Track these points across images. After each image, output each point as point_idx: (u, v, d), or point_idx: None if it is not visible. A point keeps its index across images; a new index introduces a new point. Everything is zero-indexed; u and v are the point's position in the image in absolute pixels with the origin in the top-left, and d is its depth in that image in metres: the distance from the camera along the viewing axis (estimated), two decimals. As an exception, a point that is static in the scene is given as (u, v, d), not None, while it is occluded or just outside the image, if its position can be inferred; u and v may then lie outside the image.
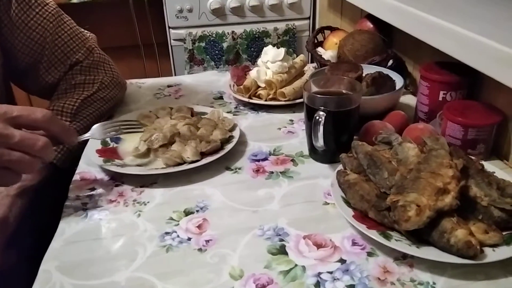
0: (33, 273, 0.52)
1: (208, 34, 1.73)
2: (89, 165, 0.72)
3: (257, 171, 0.70)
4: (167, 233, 0.57)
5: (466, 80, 0.74)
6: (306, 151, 0.74)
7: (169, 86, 1.04)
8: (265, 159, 0.73)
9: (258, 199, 0.63)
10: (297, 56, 0.98)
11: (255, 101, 0.90)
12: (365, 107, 0.70)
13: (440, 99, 0.75)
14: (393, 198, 0.52)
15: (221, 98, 0.97)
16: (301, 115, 0.86)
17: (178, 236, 0.57)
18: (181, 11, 1.71)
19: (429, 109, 0.77)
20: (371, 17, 1.03)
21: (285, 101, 0.89)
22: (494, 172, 0.60)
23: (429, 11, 0.72)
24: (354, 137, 0.71)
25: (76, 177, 0.70)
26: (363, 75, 0.81)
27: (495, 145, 0.70)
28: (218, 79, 1.07)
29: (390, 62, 0.96)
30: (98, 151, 0.73)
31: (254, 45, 1.77)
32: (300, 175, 0.69)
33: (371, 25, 1.03)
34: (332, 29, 1.13)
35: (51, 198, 0.70)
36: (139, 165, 0.71)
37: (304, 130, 0.76)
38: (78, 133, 0.75)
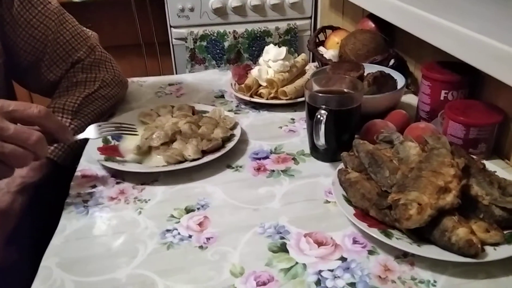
0: (34, 270, 0.52)
1: (209, 33, 1.74)
2: (90, 163, 0.72)
3: (258, 169, 0.70)
4: (168, 230, 0.57)
5: (467, 80, 0.74)
6: (307, 150, 0.74)
7: (170, 84, 1.04)
8: (266, 157, 0.73)
9: (259, 197, 0.63)
10: (298, 56, 0.98)
11: (256, 99, 0.90)
12: (367, 106, 0.70)
13: (442, 98, 0.75)
14: (394, 197, 0.52)
15: (222, 96, 0.97)
16: (302, 114, 0.86)
17: (179, 233, 0.57)
18: (182, 10, 1.71)
19: (431, 108, 0.77)
20: (372, 17, 1.03)
21: (286, 100, 0.89)
22: (496, 171, 0.60)
23: (431, 10, 0.72)
24: (355, 136, 0.71)
25: (77, 174, 0.70)
26: (365, 74, 0.81)
27: (496, 144, 0.69)
28: (219, 77, 1.07)
29: (392, 61, 0.96)
30: (99, 148, 0.73)
31: (255, 44, 1.77)
32: (301, 173, 0.69)
33: (373, 25, 1.03)
34: (333, 28, 1.13)
35: (52, 195, 0.70)
36: (140, 162, 0.71)
37: (305, 128, 0.76)
38: (79, 131, 0.76)
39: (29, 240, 0.68)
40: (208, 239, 0.56)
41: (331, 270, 0.50)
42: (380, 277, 0.49)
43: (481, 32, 0.60)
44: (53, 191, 0.70)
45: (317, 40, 1.12)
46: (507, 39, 0.56)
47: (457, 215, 0.50)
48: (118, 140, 0.77)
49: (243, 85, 0.92)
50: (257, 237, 0.56)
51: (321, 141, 0.65)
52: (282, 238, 0.55)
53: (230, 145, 0.73)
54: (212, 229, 0.57)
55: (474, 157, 0.61)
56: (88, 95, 0.81)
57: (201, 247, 0.54)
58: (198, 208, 0.61)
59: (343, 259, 0.52)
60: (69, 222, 0.60)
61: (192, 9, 1.71)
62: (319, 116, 0.64)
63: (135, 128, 0.75)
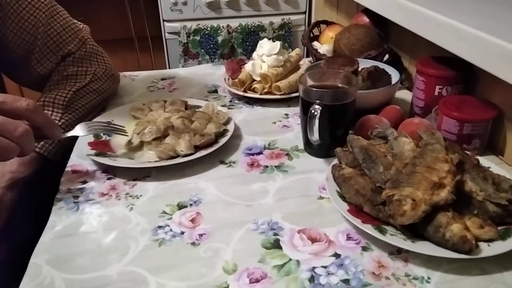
0: (23, 267, 0.51)
1: (203, 28, 1.72)
2: (81, 158, 0.71)
3: (251, 165, 0.69)
4: (159, 227, 0.57)
5: (462, 75, 0.74)
6: (301, 145, 0.74)
7: (163, 79, 1.03)
8: (260, 153, 0.72)
9: (252, 193, 0.63)
10: (292, 50, 0.98)
11: (250, 94, 0.89)
12: (361, 101, 0.70)
13: (436, 93, 0.75)
14: (388, 192, 0.51)
15: (215, 91, 0.96)
16: (296, 109, 0.85)
17: (171, 230, 0.56)
18: (175, 4, 1.69)
19: (425, 103, 0.77)
20: (367, 11, 1.03)
21: (280, 95, 0.88)
22: (490, 167, 0.60)
23: (425, 5, 0.71)
24: (350, 131, 0.70)
25: (68, 169, 0.69)
26: (359, 69, 0.81)
27: (490, 140, 0.69)
28: (213, 72, 1.06)
29: (386, 56, 0.95)
30: (90, 143, 0.72)
31: (249, 39, 1.76)
32: (295, 169, 0.68)
33: (367, 20, 1.03)
34: (328, 23, 1.12)
35: (42, 191, 0.69)
36: (131, 158, 0.70)
37: (299, 124, 0.76)
38: (70, 125, 0.75)
39: (18, 236, 0.67)
40: (200, 235, 0.55)
41: (325, 267, 0.50)
42: (374, 273, 0.49)
43: (476, 27, 0.60)
44: (43, 187, 0.69)
45: (312, 35, 1.11)
46: (502, 34, 0.56)
47: (451, 211, 0.49)
48: (110, 135, 0.75)
49: (236, 80, 0.91)
50: (250, 233, 0.55)
51: (315, 136, 0.65)
52: (275, 234, 0.55)
53: (223, 141, 0.72)
54: (204, 225, 0.57)
55: (468, 152, 0.61)
56: (79, 89, 0.80)
57: (193, 243, 0.54)
58: (191, 204, 0.61)
59: (336, 255, 0.51)
60: (59, 219, 0.59)
61: (185, 3, 1.70)
62: (313, 111, 0.63)
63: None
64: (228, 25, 1.73)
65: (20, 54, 0.79)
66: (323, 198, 0.61)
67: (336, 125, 0.69)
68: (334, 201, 0.56)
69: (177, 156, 0.69)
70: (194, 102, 0.86)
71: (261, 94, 0.89)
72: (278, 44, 0.91)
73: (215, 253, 0.52)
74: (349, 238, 0.54)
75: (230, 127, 0.76)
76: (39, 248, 0.54)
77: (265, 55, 0.90)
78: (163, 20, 1.73)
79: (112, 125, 0.74)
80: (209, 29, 1.72)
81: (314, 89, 0.68)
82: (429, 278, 0.48)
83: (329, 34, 1.05)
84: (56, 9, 0.83)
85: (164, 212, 0.59)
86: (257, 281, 0.48)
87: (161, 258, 0.52)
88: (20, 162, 0.68)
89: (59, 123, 0.74)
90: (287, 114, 0.85)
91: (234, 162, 0.70)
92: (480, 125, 0.66)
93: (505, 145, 0.70)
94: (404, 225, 0.50)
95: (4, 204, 0.64)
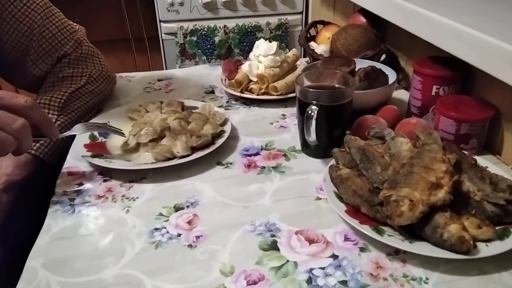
0: (19, 270, 0.51)
1: (199, 28, 1.72)
2: (77, 160, 0.71)
3: (248, 166, 0.69)
4: (156, 229, 0.56)
5: (459, 75, 0.74)
6: (298, 146, 0.73)
7: (159, 80, 1.03)
8: (257, 154, 0.72)
9: (249, 194, 0.62)
10: (289, 51, 0.97)
11: (247, 95, 0.89)
12: (358, 101, 0.70)
13: (433, 93, 0.75)
14: (385, 193, 0.51)
15: (212, 92, 0.96)
16: (294, 110, 0.85)
17: (167, 232, 0.56)
18: (172, 4, 1.69)
19: (422, 103, 0.77)
20: (364, 12, 1.03)
21: (277, 95, 0.88)
22: (487, 167, 0.60)
23: (422, 5, 0.71)
24: (347, 131, 0.70)
25: (64, 171, 0.69)
26: (356, 69, 0.81)
27: (487, 140, 0.69)
28: (209, 73, 1.06)
29: (383, 56, 0.95)
30: (86, 145, 0.72)
31: (246, 39, 1.76)
32: (292, 170, 0.68)
33: (364, 20, 1.03)
34: (325, 23, 1.12)
35: (38, 193, 0.68)
36: (128, 160, 0.70)
37: (296, 124, 0.76)
38: (66, 127, 0.74)
39: (14, 239, 0.67)
40: (197, 237, 0.55)
41: (323, 268, 0.49)
42: (371, 274, 0.49)
43: (473, 27, 0.59)
44: (39, 189, 0.69)
45: (308, 35, 1.11)
46: (499, 34, 0.56)
47: (449, 211, 0.49)
48: (106, 137, 0.75)
49: (233, 81, 0.91)
50: (247, 235, 0.55)
51: (312, 137, 0.64)
52: (273, 236, 0.54)
53: (220, 142, 0.71)
54: (201, 227, 0.56)
55: (466, 152, 0.60)
56: (74, 90, 0.80)
57: (190, 245, 0.53)
58: (188, 206, 0.60)
59: (334, 256, 0.51)
60: (55, 221, 0.58)
61: (181, 4, 1.69)
62: (310, 112, 0.63)
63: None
64: (225, 26, 1.72)
65: (16, 56, 0.78)
66: (320, 199, 0.61)
67: (333, 126, 0.68)
68: (332, 202, 0.56)
69: (174, 157, 0.68)
70: (191, 103, 0.85)
71: (258, 95, 0.89)
72: (274, 44, 0.91)
73: (212, 255, 0.52)
74: (346, 239, 0.54)
75: (227, 128, 0.75)
76: (35, 251, 0.53)
77: (262, 56, 0.90)
78: (160, 21, 1.73)
79: (109, 126, 0.73)
80: (206, 29, 1.72)
81: (311, 89, 0.68)
82: (427, 278, 0.48)
83: (326, 34, 1.05)
84: (52, 11, 0.82)
85: (161, 214, 0.59)
86: (255, 283, 0.48)
87: (158, 261, 0.51)
88: (16, 164, 0.67)
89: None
90: (284, 115, 0.85)
91: (231, 163, 0.70)
92: (477, 124, 0.66)
93: (502, 144, 0.69)
94: (401, 225, 0.49)
95: (0, 207, 0.63)
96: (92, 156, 0.69)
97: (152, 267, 0.50)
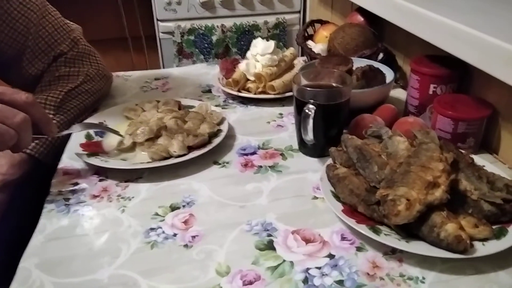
0: (13, 270, 0.50)
1: (197, 27, 1.71)
2: (72, 159, 0.70)
3: (245, 165, 0.69)
4: (152, 229, 0.56)
5: (456, 74, 0.74)
6: (295, 145, 0.73)
7: (156, 79, 1.02)
8: (254, 153, 0.72)
9: (246, 193, 0.62)
10: (287, 50, 0.97)
11: (244, 94, 0.89)
12: (355, 100, 0.69)
13: (431, 92, 0.74)
14: (382, 192, 0.51)
15: (209, 91, 0.95)
16: (291, 109, 0.84)
17: (163, 232, 0.55)
18: (169, 3, 1.68)
19: (419, 102, 0.77)
20: (361, 11, 1.02)
21: (274, 94, 0.88)
22: (484, 166, 0.59)
23: (419, 4, 0.71)
24: (344, 130, 0.70)
25: (59, 171, 0.68)
26: (353, 68, 0.80)
27: (484, 138, 0.69)
28: (206, 72, 1.05)
29: (381, 55, 0.95)
30: (82, 145, 0.71)
31: (244, 38, 1.75)
32: (289, 169, 0.67)
33: (362, 19, 1.02)
34: (322, 22, 1.11)
35: (33, 193, 0.68)
36: (123, 159, 0.69)
37: (293, 123, 0.75)
38: (62, 126, 0.74)
39: (8, 239, 0.66)
40: (193, 237, 0.54)
41: (319, 268, 0.49)
42: (368, 274, 0.48)
43: (470, 25, 0.59)
44: (34, 189, 0.68)
45: (306, 34, 1.11)
46: (496, 33, 0.56)
47: (445, 211, 0.49)
48: (102, 136, 0.75)
49: (230, 80, 0.90)
50: (243, 234, 0.55)
51: (309, 136, 0.64)
52: (269, 235, 0.54)
53: (217, 141, 0.71)
54: (197, 227, 0.56)
55: (463, 151, 0.60)
56: (71, 89, 0.79)
57: (186, 245, 0.53)
58: (184, 206, 0.60)
59: (331, 256, 0.51)
60: (49, 221, 0.58)
61: (179, 3, 1.69)
62: (307, 111, 0.62)
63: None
64: (222, 25, 1.72)
65: (11, 55, 0.78)
66: (317, 198, 0.61)
67: (330, 125, 0.68)
68: (329, 201, 0.56)
69: (170, 157, 0.68)
70: (188, 102, 0.85)
71: (255, 94, 0.88)
72: (272, 43, 0.91)
73: (208, 255, 0.51)
74: (343, 238, 0.53)
75: (224, 127, 0.75)
76: (29, 251, 0.53)
77: (259, 55, 0.90)
78: (157, 20, 1.72)
79: (106, 127, 0.73)
80: (203, 28, 1.72)
81: (308, 88, 0.68)
82: (423, 278, 0.48)
83: (324, 33, 1.04)
84: (48, 9, 0.82)
85: (157, 214, 0.58)
86: (251, 283, 0.48)
87: (153, 261, 0.51)
88: (10, 164, 0.67)
89: None
90: (281, 114, 0.84)
91: (227, 163, 0.70)
92: (474, 123, 0.66)
93: (499, 143, 0.69)
94: (398, 225, 0.49)
95: (-6, 207, 0.63)
96: (88, 155, 0.68)
97: (147, 267, 0.50)
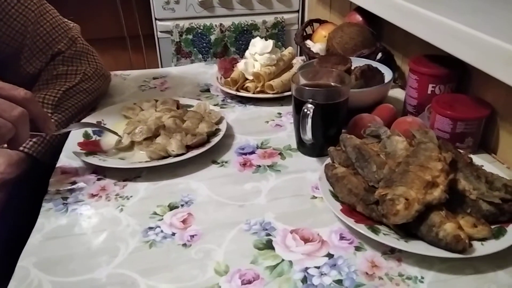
0: (11, 269, 0.50)
1: (195, 26, 1.71)
2: (70, 158, 0.70)
3: (244, 164, 0.69)
4: (150, 228, 0.56)
5: (455, 73, 0.74)
6: (294, 145, 0.73)
7: (154, 78, 1.02)
8: (252, 152, 0.72)
9: (244, 193, 0.62)
10: (285, 49, 0.97)
11: (242, 93, 0.89)
12: (354, 100, 0.69)
13: (429, 92, 0.75)
14: (381, 192, 0.51)
15: (208, 90, 0.95)
16: (289, 108, 0.85)
17: (162, 231, 0.55)
18: (168, 2, 1.68)
19: (418, 102, 0.77)
20: (360, 10, 1.02)
21: (273, 93, 0.87)
22: (483, 166, 0.59)
23: (418, 3, 0.71)
24: (343, 130, 0.70)
25: (57, 170, 0.68)
26: (352, 68, 0.80)
27: (483, 138, 0.69)
28: (205, 71, 1.05)
29: (379, 55, 0.95)
30: (80, 143, 0.71)
31: (242, 38, 1.75)
32: (288, 168, 0.67)
33: (360, 18, 1.02)
34: (321, 21, 1.11)
35: (31, 192, 0.67)
36: (122, 158, 0.69)
37: (292, 123, 0.75)
38: (59, 125, 0.74)
39: (6, 238, 0.66)
40: (192, 236, 0.54)
41: (318, 267, 0.49)
42: (367, 273, 0.48)
43: (468, 25, 0.59)
44: (32, 188, 0.68)
45: (305, 34, 1.11)
46: (495, 32, 0.56)
47: (444, 210, 0.49)
48: (100, 135, 0.74)
49: (229, 79, 0.90)
50: (242, 234, 0.54)
51: (308, 135, 0.64)
52: (268, 235, 0.54)
53: (215, 140, 0.71)
54: (196, 226, 0.56)
55: (461, 151, 0.60)
56: (68, 88, 0.79)
57: (184, 245, 0.53)
58: (182, 205, 0.60)
59: (329, 255, 0.51)
60: (48, 220, 0.57)
61: (177, 2, 1.68)
62: (306, 110, 0.62)
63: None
64: (221, 24, 1.72)
65: (9, 53, 0.78)
66: (316, 197, 0.61)
67: (329, 124, 0.68)
68: (327, 201, 0.56)
69: (169, 156, 0.68)
70: (186, 101, 0.85)
71: (253, 93, 0.88)
72: (270, 42, 0.90)
73: (206, 254, 0.51)
74: (342, 238, 0.53)
75: (223, 127, 0.75)
76: (27, 250, 0.53)
77: (258, 54, 0.89)
78: (155, 19, 1.72)
79: (105, 127, 0.73)
80: (201, 27, 1.71)
81: (307, 88, 0.68)
82: (422, 277, 0.48)
83: (322, 32, 1.04)
84: (46, 8, 0.82)
85: (155, 213, 0.58)
86: (249, 282, 0.47)
87: (152, 260, 0.51)
88: (8, 163, 0.67)
89: None
90: (280, 113, 0.84)
91: (226, 162, 0.69)
92: (473, 123, 0.66)
93: (498, 143, 0.69)
94: (397, 224, 0.49)
95: (-8, 206, 0.63)
96: (86, 154, 0.68)
97: (146, 267, 0.50)
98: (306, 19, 1.69)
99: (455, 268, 0.48)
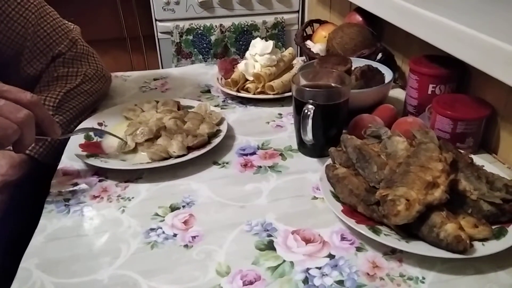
0: (14, 270, 0.50)
1: (195, 27, 1.71)
2: (72, 160, 0.70)
3: (245, 165, 0.69)
4: (152, 229, 0.56)
5: (455, 74, 0.74)
6: (294, 145, 0.73)
7: (155, 79, 1.02)
8: (253, 153, 0.72)
9: (245, 194, 0.62)
10: (285, 50, 0.97)
11: (243, 94, 0.89)
12: (354, 100, 0.69)
13: (429, 92, 0.75)
14: (382, 192, 0.51)
15: (208, 91, 0.95)
16: (290, 109, 0.85)
17: (163, 232, 0.55)
18: (168, 3, 1.68)
19: (418, 102, 0.77)
20: (360, 10, 1.02)
21: (273, 94, 0.88)
22: (483, 166, 0.60)
23: (418, 4, 0.71)
24: (343, 131, 0.70)
25: (58, 172, 0.68)
26: (352, 68, 0.81)
27: (484, 138, 0.69)
28: (205, 72, 1.05)
29: (379, 55, 0.95)
30: (81, 145, 0.71)
31: (242, 38, 1.75)
32: (289, 169, 0.68)
33: (360, 18, 1.02)
34: (321, 22, 1.12)
35: (33, 194, 0.68)
36: (123, 159, 0.69)
37: (292, 124, 0.75)
38: (60, 127, 0.74)
39: (8, 240, 0.66)
40: (193, 237, 0.54)
41: (319, 268, 0.49)
42: (368, 274, 0.48)
43: (469, 25, 0.59)
44: (34, 190, 0.68)
45: (305, 34, 1.11)
46: (496, 33, 0.56)
47: (445, 211, 0.49)
48: (101, 137, 0.75)
49: (229, 80, 0.91)
50: (243, 235, 0.55)
51: (308, 136, 0.64)
52: (269, 235, 0.54)
53: (216, 141, 0.71)
54: (197, 227, 0.56)
55: (462, 151, 0.60)
56: (69, 90, 0.79)
57: (186, 246, 0.53)
58: (183, 206, 0.60)
59: (331, 256, 0.51)
60: (50, 222, 0.58)
61: (177, 2, 1.69)
62: (306, 111, 0.63)
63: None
64: (221, 25, 1.72)
65: (10, 55, 0.78)
66: (317, 198, 0.61)
67: (329, 125, 0.68)
68: (328, 202, 0.56)
69: (170, 157, 0.68)
70: (187, 102, 0.85)
71: (254, 94, 0.88)
72: (271, 43, 0.91)
73: (208, 255, 0.51)
74: (343, 238, 0.54)
75: (223, 128, 0.75)
76: (29, 252, 0.53)
77: (258, 55, 0.90)
78: (156, 20, 1.72)
79: (109, 133, 0.73)
80: (202, 28, 1.71)
81: (307, 88, 0.68)
82: (423, 278, 0.48)
83: (322, 33, 1.04)
84: (46, 10, 0.82)
85: (157, 214, 0.58)
86: (251, 283, 0.48)
87: (153, 261, 0.51)
88: (10, 165, 0.67)
89: None
90: (280, 114, 0.84)
91: (227, 163, 0.70)
92: (473, 123, 0.66)
93: (498, 143, 0.69)
94: (398, 225, 0.49)
95: (-6, 208, 0.63)
96: (87, 156, 0.68)
97: (147, 268, 0.50)
98: (306, 20, 1.69)
99: (456, 269, 0.49)
